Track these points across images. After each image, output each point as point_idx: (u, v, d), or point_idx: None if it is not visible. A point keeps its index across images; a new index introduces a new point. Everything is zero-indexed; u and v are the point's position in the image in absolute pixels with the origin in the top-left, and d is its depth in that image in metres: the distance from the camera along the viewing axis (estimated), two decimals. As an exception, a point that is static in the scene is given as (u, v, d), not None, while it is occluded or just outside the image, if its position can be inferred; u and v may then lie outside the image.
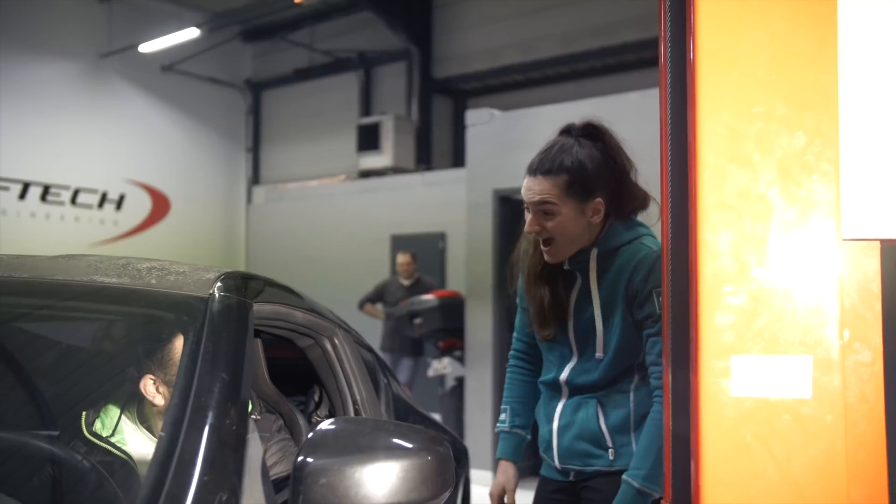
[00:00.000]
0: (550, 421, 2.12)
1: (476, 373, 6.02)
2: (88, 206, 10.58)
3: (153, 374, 1.62)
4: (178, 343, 1.59)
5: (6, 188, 9.84)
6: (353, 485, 1.23)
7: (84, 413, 1.61)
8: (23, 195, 9.99)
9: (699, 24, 1.31)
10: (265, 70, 12.47)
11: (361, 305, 7.59)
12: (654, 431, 1.89)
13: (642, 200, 2.07)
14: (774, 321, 1.25)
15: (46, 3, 10.03)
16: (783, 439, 1.23)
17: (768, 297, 1.26)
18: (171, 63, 11.24)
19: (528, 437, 2.25)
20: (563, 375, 2.09)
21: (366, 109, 11.38)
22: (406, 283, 7.41)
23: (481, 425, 5.89)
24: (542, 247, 2.04)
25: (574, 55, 9.70)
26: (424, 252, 8.26)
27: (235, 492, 1.19)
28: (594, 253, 2.02)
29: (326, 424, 1.35)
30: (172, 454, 1.18)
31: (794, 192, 1.26)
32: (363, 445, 1.28)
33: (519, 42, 10.15)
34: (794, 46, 1.29)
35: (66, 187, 10.38)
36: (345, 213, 9.95)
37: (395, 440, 1.32)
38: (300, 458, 1.25)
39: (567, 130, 2.07)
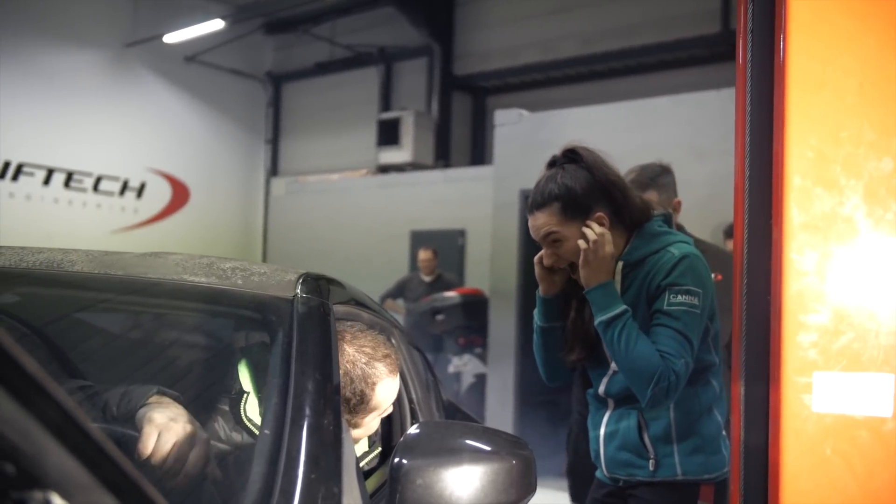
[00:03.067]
0: (598, 428, 2.17)
1: (498, 370, 6.07)
2: (110, 194, 10.65)
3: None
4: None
5: (31, 174, 9.91)
6: (447, 486, 1.28)
7: None
8: (47, 181, 10.06)
9: (790, 49, 1.35)
10: (286, 63, 12.51)
11: (382, 301, 7.64)
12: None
13: (643, 208, 2.11)
14: (857, 340, 1.29)
15: (74, -8, 10.11)
16: (863, 455, 1.28)
17: (851, 317, 1.30)
18: (194, 54, 11.28)
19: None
20: (602, 388, 2.14)
21: (386, 104, 11.41)
22: (427, 279, 7.46)
23: (502, 423, 5.94)
24: (572, 276, 2.09)
25: (594, 56, 9.72)
26: (443, 248, 8.30)
27: (338, 490, 1.24)
28: (619, 266, 2.06)
29: (415, 428, 1.40)
30: (279, 451, 1.23)
31: (879, 215, 1.31)
32: (455, 448, 1.33)
33: (540, 41, 10.17)
34: (883, 73, 1.33)
35: (89, 174, 10.44)
36: (365, 208, 10.00)
37: (484, 444, 1.37)
38: (396, 460, 1.30)
39: (552, 163, 2.13)
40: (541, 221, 2.05)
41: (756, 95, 1.48)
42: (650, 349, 1.92)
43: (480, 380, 6.77)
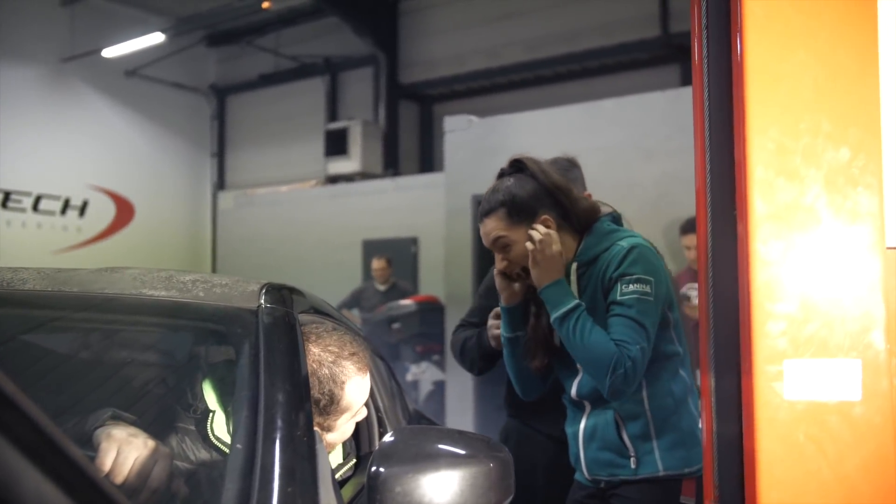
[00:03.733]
0: (577, 433, 2.19)
1: (457, 377, 6.05)
2: (51, 213, 10.40)
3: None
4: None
5: (-35, 195, 9.64)
6: (426, 493, 1.26)
7: None
8: (-18, 202, 9.79)
9: (746, 46, 1.37)
10: (230, 75, 12.38)
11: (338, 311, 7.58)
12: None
13: (590, 209, 2.18)
14: (824, 327, 1.31)
15: (7, 7, 9.84)
16: (835, 440, 1.29)
17: (818, 305, 1.32)
18: (134, 68, 11.10)
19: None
20: (574, 391, 2.17)
21: (332, 114, 11.37)
22: (382, 288, 7.43)
23: (463, 428, 5.92)
24: (526, 281, 2.14)
25: (538, 61, 9.83)
26: (396, 256, 8.28)
27: (315, 502, 1.21)
28: (573, 267, 2.11)
29: (391, 435, 1.38)
30: (253, 465, 1.20)
31: (840, 203, 1.33)
32: (432, 453, 1.31)
33: (484, 48, 10.24)
34: (838, 66, 1.35)
35: (28, 194, 10.18)
36: (316, 218, 9.91)
37: (461, 448, 1.36)
38: (373, 468, 1.28)
39: (500, 175, 2.22)
40: (489, 227, 2.13)
41: (714, 92, 1.50)
42: (604, 338, 1.96)
43: (439, 387, 6.76)
